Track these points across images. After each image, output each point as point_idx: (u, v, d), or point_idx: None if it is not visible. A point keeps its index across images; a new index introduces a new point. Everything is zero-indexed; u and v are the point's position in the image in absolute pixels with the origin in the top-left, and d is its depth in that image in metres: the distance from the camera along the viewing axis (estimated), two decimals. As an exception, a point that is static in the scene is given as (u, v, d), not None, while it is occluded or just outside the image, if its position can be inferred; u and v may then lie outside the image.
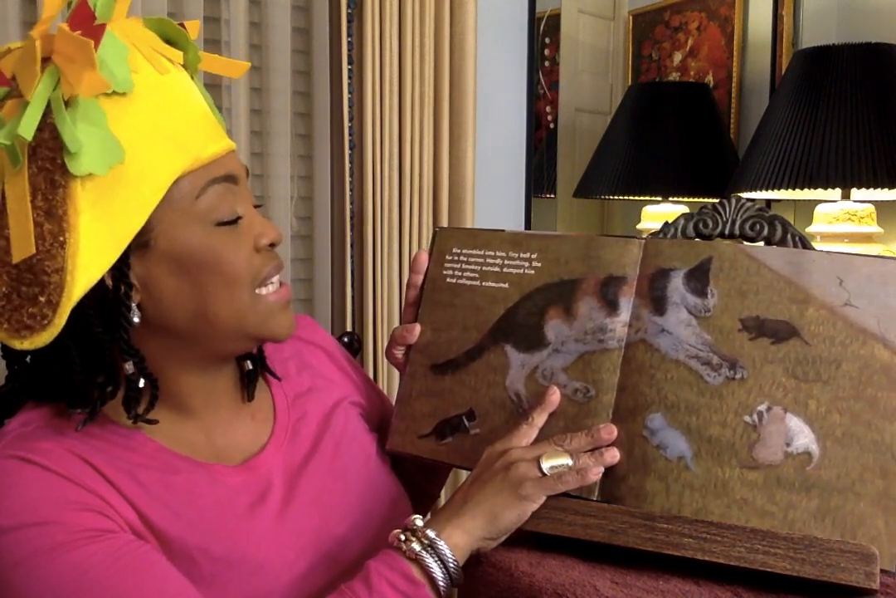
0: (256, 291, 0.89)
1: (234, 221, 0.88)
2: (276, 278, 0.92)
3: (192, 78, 0.91)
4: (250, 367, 0.98)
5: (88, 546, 0.79)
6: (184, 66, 0.90)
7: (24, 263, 0.78)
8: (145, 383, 0.88)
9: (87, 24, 0.81)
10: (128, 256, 0.83)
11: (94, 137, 0.78)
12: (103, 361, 0.86)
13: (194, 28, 0.93)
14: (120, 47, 0.81)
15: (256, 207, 0.93)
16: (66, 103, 0.78)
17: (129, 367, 0.86)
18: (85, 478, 0.82)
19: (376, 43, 1.68)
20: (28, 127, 0.76)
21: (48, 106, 0.78)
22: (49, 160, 0.78)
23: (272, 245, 0.92)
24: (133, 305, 0.85)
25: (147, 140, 0.81)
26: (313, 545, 0.92)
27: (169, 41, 0.89)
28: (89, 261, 0.79)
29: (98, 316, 0.84)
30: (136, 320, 0.85)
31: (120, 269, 0.83)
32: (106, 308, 0.84)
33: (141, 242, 0.83)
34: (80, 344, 0.84)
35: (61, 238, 0.78)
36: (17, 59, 0.81)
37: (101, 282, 0.82)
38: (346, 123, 1.67)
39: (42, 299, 0.78)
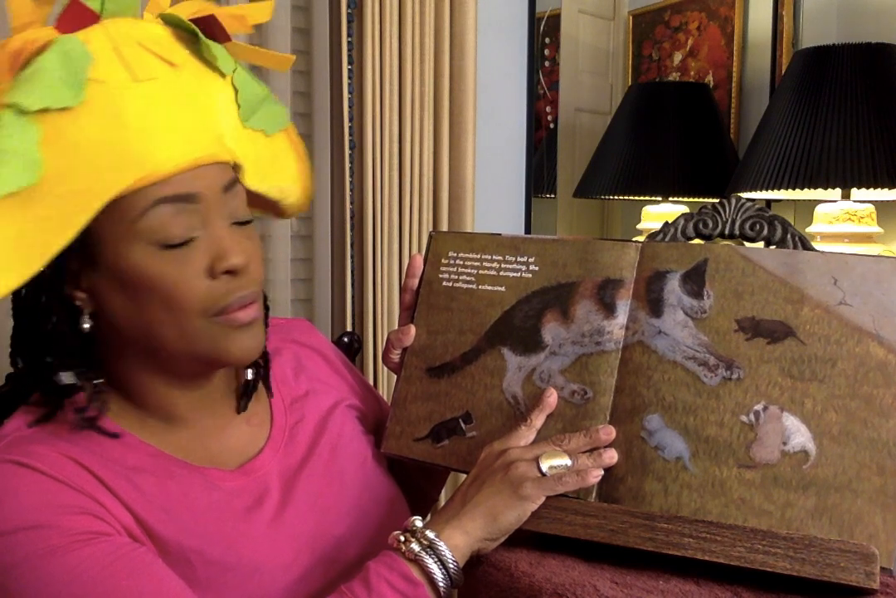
0: (214, 317, 0.85)
1: (183, 244, 0.83)
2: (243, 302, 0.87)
3: (232, 72, 0.88)
4: (249, 377, 0.96)
5: (84, 549, 0.79)
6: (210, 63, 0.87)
7: None
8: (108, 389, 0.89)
9: (81, 24, 0.81)
10: (66, 267, 0.83)
11: (3, 156, 0.77)
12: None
13: (265, 11, 0.91)
14: (77, 59, 0.79)
15: (245, 223, 0.88)
16: None
17: (65, 376, 0.87)
18: (80, 481, 0.82)
19: (376, 43, 1.68)
20: None
21: None
22: None
23: (231, 272, 0.85)
24: (86, 316, 0.86)
25: (83, 157, 0.79)
26: (310, 547, 0.92)
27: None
28: None
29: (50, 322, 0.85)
30: (86, 326, 0.86)
31: (58, 280, 0.84)
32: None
33: (88, 255, 0.83)
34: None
35: None
36: None
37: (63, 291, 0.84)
38: (346, 123, 1.68)
39: None
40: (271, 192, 0.96)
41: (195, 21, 0.87)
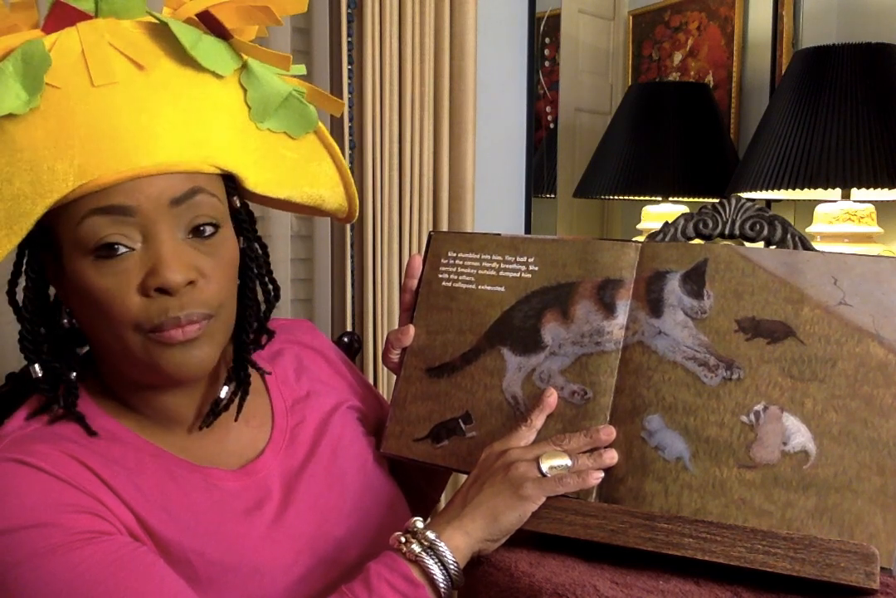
0: (150, 333, 0.82)
1: (116, 256, 0.81)
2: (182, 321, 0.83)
3: (235, 71, 0.86)
4: (222, 395, 0.93)
5: (85, 548, 0.79)
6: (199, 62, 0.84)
7: None
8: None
9: (67, 25, 0.81)
10: (36, 269, 0.85)
11: None
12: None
13: (299, 2, 0.88)
14: (36, 63, 0.79)
15: (207, 235, 0.85)
16: None
17: (35, 368, 0.88)
18: (82, 480, 0.83)
19: (376, 43, 1.68)
20: None
21: None
22: None
23: (163, 290, 0.81)
24: (65, 313, 0.89)
25: (30, 162, 0.79)
26: (310, 548, 0.92)
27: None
28: None
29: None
30: (64, 321, 0.89)
31: (40, 277, 0.86)
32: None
33: (56, 256, 0.84)
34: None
35: None
36: None
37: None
38: (346, 123, 1.68)
39: None
40: (298, 197, 0.94)
41: (198, 16, 0.85)
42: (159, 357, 0.83)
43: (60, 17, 0.81)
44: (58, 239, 0.83)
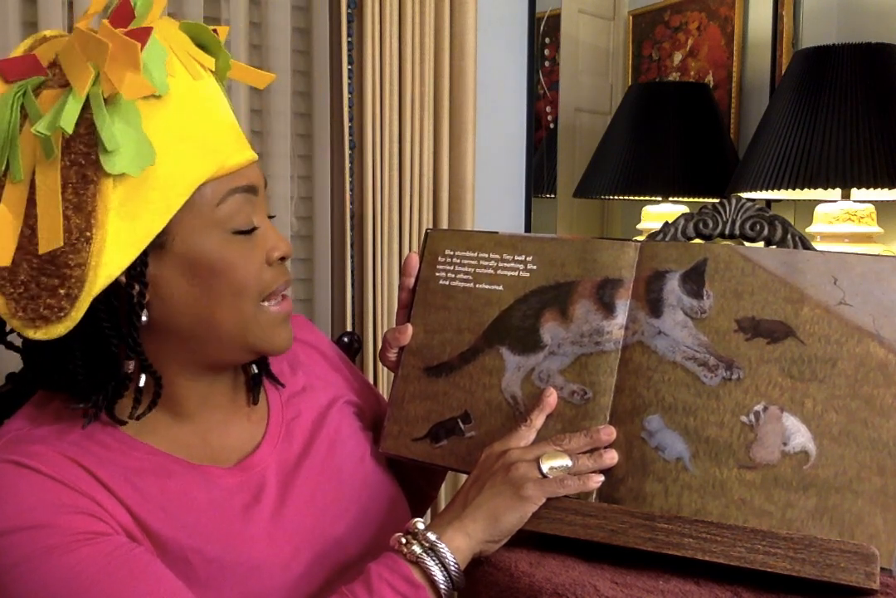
0: (262, 303, 0.90)
1: (250, 232, 0.88)
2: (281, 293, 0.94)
3: (222, 85, 0.91)
4: (255, 371, 0.99)
5: (82, 549, 0.79)
6: (214, 72, 0.90)
7: (48, 255, 0.79)
8: (146, 384, 0.88)
9: (126, 23, 0.82)
10: (146, 255, 0.83)
11: (130, 137, 0.78)
12: (107, 358, 0.86)
13: (222, 33, 0.93)
14: (160, 50, 0.82)
15: (270, 217, 0.94)
16: (106, 101, 0.78)
17: (131, 365, 0.87)
18: (79, 481, 0.83)
19: (376, 43, 1.68)
20: (69, 120, 0.77)
21: (86, 101, 0.78)
22: (83, 155, 0.78)
23: (283, 259, 0.92)
24: (144, 308, 0.85)
25: (176, 144, 0.82)
26: (309, 544, 0.92)
27: (202, 46, 0.89)
28: (111, 259, 0.79)
29: (108, 312, 0.84)
30: (144, 318, 0.85)
31: (138, 268, 0.83)
32: (116, 305, 0.84)
33: (158, 243, 0.84)
34: (84, 340, 0.85)
35: (88, 234, 0.78)
36: (65, 51, 0.82)
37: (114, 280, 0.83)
38: (346, 123, 1.68)
39: (62, 291, 0.79)
40: None
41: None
42: (273, 329, 0.91)
43: (123, 13, 0.83)
44: (171, 225, 0.83)
